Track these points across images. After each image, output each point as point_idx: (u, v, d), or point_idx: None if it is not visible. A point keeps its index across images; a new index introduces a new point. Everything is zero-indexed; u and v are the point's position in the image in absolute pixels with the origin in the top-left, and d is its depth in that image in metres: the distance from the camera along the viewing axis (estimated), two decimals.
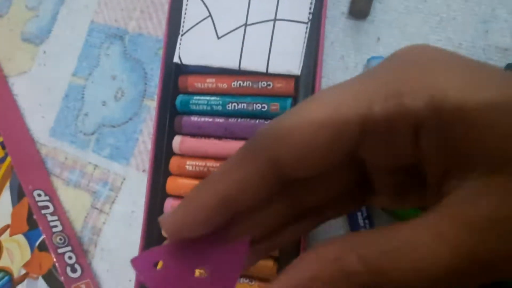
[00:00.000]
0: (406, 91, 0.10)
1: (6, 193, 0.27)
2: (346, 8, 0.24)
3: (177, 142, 0.24)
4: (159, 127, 0.24)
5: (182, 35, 0.24)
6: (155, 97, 0.27)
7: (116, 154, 0.28)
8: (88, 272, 0.26)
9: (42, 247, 0.25)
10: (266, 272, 0.21)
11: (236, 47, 0.23)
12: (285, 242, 0.14)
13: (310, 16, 0.22)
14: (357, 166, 0.12)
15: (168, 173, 0.24)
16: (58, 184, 0.29)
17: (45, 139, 0.30)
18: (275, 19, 0.22)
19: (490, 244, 0.09)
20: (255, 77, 0.23)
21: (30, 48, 0.31)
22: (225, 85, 0.23)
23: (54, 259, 0.25)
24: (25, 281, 0.26)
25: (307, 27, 0.22)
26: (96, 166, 0.28)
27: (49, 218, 0.26)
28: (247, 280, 0.22)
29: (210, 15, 0.23)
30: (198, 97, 0.24)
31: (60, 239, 0.26)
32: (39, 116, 0.30)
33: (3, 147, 0.27)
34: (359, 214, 0.21)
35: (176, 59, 0.24)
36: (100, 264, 0.27)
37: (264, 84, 0.22)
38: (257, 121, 0.22)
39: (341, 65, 0.24)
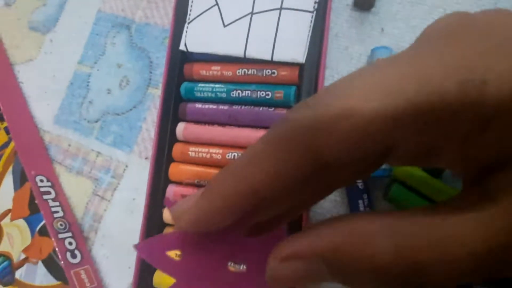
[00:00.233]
0: (490, 78, 0.08)
1: (9, 177, 0.27)
2: (351, 0, 0.24)
3: (181, 128, 0.24)
4: (164, 113, 0.24)
5: (188, 23, 0.24)
6: (160, 85, 0.27)
7: (120, 141, 0.28)
8: (87, 258, 0.26)
9: (43, 232, 0.25)
10: None
11: (242, 35, 0.23)
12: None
13: (316, 6, 0.22)
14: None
15: (171, 160, 0.24)
16: (60, 170, 0.29)
17: (49, 126, 0.30)
18: (281, 8, 0.22)
19: None
20: (260, 65, 0.23)
21: (37, 37, 0.32)
22: (230, 73, 0.23)
23: (55, 244, 0.25)
24: (25, 266, 0.26)
25: (312, 16, 0.22)
26: (99, 153, 0.28)
27: (51, 203, 0.26)
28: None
29: (216, 3, 0.24)
30: (203, 85, 0.24)
31: (61, 225, 0.26)
32: (44, 103, 0.30)
33: (7, 132, 0.28)
34: (360, 201, 0.21)
35: (182, 47, 0.24)
36: (100, 251, 0.27)
37: (268, 72, 0.23)
38: (261, 108, 0.23)
39: (346, 55, 0.24)
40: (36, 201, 0.26)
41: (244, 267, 0.12)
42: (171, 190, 0.24)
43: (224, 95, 0.23)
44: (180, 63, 0.24)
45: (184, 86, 0.24)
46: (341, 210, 0.22)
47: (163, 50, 0.28)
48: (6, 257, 0.26)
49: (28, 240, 0.26)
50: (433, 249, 0.09)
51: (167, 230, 0.24)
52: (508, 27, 0.09)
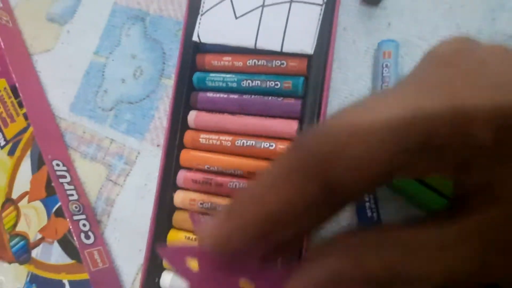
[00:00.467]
0: (477, 116, 0.09)
1: (27, 161, 0.28)
2: None
3: (192, 116, 0.25)
4: (176, 102, 0.25)
5: (201, 15, 0.25)
6: (173, 76, 0.28)
7: (133, 129, 0.29)
8: (100, 240, 0.27)
9: (59, 213, 0.27)
10: None
11: (253, 27, 0.24)
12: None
13: None
14: None
15: (182, 146, 0.25)
16: (75, 156, 0.30)
17: (65, 114, 0.31)
18: (291, 1, 0.23)
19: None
20: (270, 56, 0.24)
21: (55, 28, 0.33)
22: (240, 63, 0.24)
23: (70, 225, 0.26)
24: (41, 245, 0.27)
25: (321, 9, 0.23)
26: (112, 140, 0.29)
27: (66, 187, 0.28)
28: None
29: None
30: (214, 74, 0.25)
31: (76, 207, 0.27)
32: (60, 91, 0.32)
33: (26, 118, 0.29)
34: (367, 204, 0.22)
35: (195, 38, 0.25)
36: (112, 234, 0.28)
37: (278, 63, 0.23)
38: (270, 98, 0.24)
39: (353, 48, 0.25)
40: (52, 184, 0.27)
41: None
42: (182, 175, 0.25)
43: (234, 84, 0.24)
44: (193, 53, 0.25)
45: (196, 76, 0.25)
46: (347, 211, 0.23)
47: (176, 42, 0.29)
48: (23, 236, 0.28)
49: (44, 221, 0.27)
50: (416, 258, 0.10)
51: (177, 215, 0.25)
52: (505, 66, 0.10)
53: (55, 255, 0.26)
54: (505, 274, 0.10)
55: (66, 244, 0.26)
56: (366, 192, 0.11)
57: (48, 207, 0.27)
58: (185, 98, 0.25)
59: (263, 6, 0.24)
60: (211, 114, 0.25)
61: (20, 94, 0.29)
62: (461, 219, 0.11)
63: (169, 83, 0.29)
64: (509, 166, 0.10)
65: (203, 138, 0.24)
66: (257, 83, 0.24)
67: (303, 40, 0.23)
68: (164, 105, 0.28)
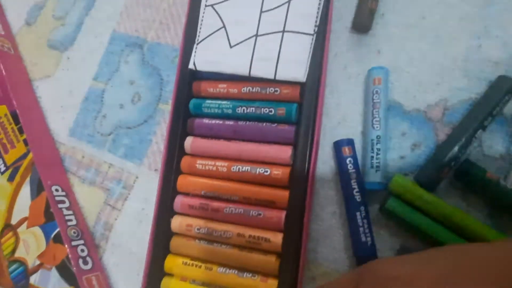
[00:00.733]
0: None
1: (26, 187, 0.29)
2: (349, 23, 0.26)
3: (189, 142, 0.25)
4: (173, 127, 0.26)
5: (197, 44, 0.26)
6: (170, 101, 0.29)
7: (130, 154, 0.29)
8: (98, 265, 0.27)
9: (57, 239, 0.27)
10: (269, 267, 0.23)
11: (247, 55, 0.24)
12: None
13: (316, 29, 0.23)
14: None
15: (179, 172, 0.26)
16: (74, 181, 0.30)
17: (64, 139, 0.32)
18: (283, 31, 0.24)
19: None
20: (264, 84, 0.24)
21: (55, 54, 0.34)
22: (235, 90, 0.25)
23: (68, 251, 0.26)
24: (39, 271, 0.27)
25: (312, 39, 0.23)
26: (111, 165, 0.30)
27: (65, 212, 0.28)
28: (250, 275, 0.23)
29: (224, 26, 0.25)
30: (210, 101, 0.25)
31: (74, 232, 0.27)
32: (60, 117, 0.32)
33: (26, 144, 0.29)
34: (358, 213, 0.22)
35: (191, 66, 0.26)
36: (110, 258, 0.28)
37: (272, 90, 0.24)
38: (264, 124, 0.24)
39: (344, 74, 0.25)
40: (51, 210, 0.27)
41: None
42: (179, 201, 0.25)
43: (230, 111, 0.25)
44: (189, 80, 0.26)
45: (193, 102, 0.26)
46: (340, 221, 0.24)
47: (173, 68, 0.29)
48: (22, 262, 0.28)
49: (43, 246, 0.27)
50: None
51: (174, 240, 0.25)
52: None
53: (53, 281, 0.27)
54: None
55: (64, 270, 0.26)
56: None
57: (46, 233, 0.27)
58: (181, 124, 0.26)
59: (256, 35, 0.25)
60: (207, 140, 0.25)
61: (21, 120, 0.30)
62: None
63: (166, 108, 0.29)
64: None
65: (200, 164, 0.25)
66: (252, 110, 0.24)
67: (295, 68, 0.23)
68: (161, 130, 0.29)
